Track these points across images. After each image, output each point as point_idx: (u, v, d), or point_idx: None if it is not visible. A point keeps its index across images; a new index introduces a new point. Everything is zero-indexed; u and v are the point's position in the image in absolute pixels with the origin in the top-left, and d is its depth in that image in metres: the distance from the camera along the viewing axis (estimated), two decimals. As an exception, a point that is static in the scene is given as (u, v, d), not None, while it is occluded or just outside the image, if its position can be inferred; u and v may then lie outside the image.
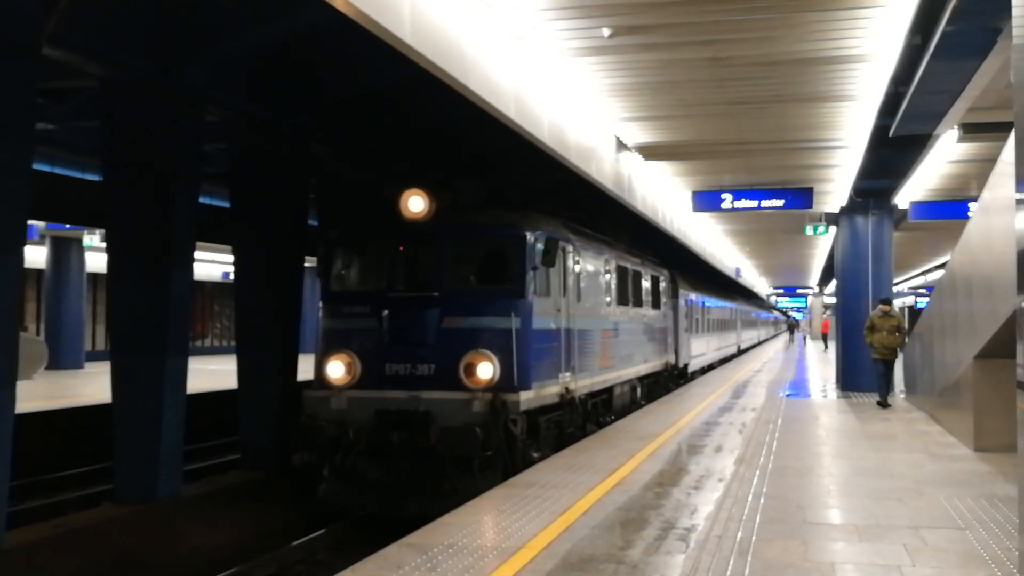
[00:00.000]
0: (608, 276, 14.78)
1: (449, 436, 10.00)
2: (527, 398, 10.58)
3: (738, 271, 42.00)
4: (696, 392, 20.68)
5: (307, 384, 11.61)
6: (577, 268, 12.71)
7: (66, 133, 15.83)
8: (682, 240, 24.10)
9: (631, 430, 13.39)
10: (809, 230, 23.91)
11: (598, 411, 14.43)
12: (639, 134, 14.98)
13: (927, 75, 10.11)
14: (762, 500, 8.24)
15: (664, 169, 18.11)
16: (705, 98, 12.66)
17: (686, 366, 24.76)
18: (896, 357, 16.76)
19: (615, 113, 13.55)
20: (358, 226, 12.09)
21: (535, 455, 10.85)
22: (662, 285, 20.94)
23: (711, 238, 30.43)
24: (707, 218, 25.00)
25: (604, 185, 14.47)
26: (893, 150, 15.60)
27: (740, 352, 43.68)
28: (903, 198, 19.99)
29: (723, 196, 19.06)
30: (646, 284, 18.58)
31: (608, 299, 14.73)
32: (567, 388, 11.99)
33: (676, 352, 23.02)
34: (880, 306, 16.79)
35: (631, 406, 16.98)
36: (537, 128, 10.81)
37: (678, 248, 25.31)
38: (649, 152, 16.19)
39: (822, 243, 32.07)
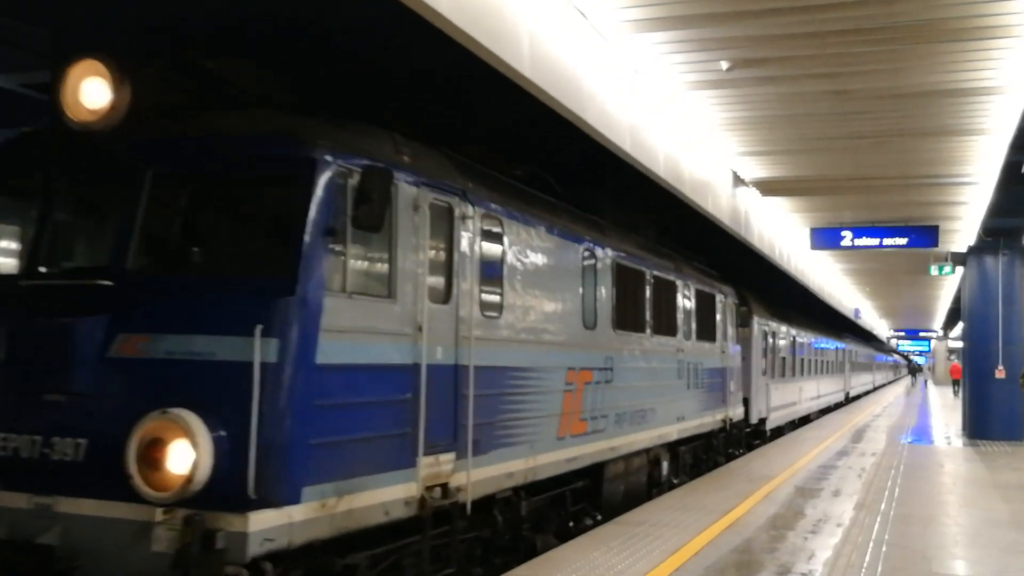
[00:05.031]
0: (594, 280, 9.46)
1: None
2: (279, 523, 4.94)
3: (857, 312, 40.76)
4: (812, 435, 20.08)
5: None
6: (500, 251, 7.45)
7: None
8: (800, 279, 23.57)
9: (743, 472, 13.07)
10: (934, 270, 23.13)
11: (565, 509, 9.00)
12: (757, 169, 14.76)
13: (1065, 108, 9.69)
14: (884, 548, 7.90)
15: (782, 205, 17.79)
16: (825, 132, 12.41)
17: (763, 421, 19.05)
18: None
19: (732, 147, 13.39)
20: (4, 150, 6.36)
21: None
22: (722, 308, 15.12)
23: (829, 277, 29.67)
24: (825, 256, 24.41)
25: (720, 220, 14.30)
26: (1026, 187, 14.98)
27: (848, 401, 38.79)
28: (1036, 238, 19.14)
29: (843, 233, 18.59)
30: (686, 303, 12.84)
31: (594, 318, 9.35)
32: (444, 486, 6.36)
33: (747, 403, 17.38)
34: None
35: (650, 491, 11.43)
36: (652, 161, 10.76)
37: (793, 285, 24.75)
38: (767, 187, 15.93)
39: (948, 284, 30.91)
